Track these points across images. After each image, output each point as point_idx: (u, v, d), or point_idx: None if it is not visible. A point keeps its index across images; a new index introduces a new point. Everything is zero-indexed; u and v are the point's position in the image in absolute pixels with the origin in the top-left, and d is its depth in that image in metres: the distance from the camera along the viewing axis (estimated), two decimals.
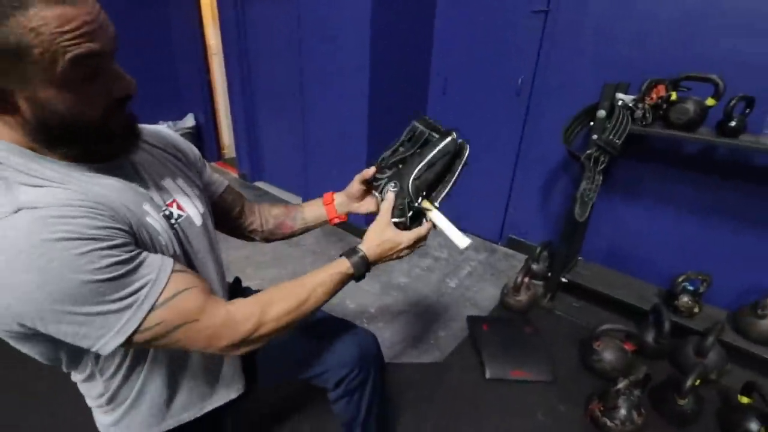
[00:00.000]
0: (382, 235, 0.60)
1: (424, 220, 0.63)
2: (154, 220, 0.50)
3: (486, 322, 1.52)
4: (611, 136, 1.31)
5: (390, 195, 0.62)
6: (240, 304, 0.50)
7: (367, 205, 0.70)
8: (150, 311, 0.44)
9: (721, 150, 1.47)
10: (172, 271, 0.46)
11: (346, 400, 0.74)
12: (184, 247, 0.54)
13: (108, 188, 0.47)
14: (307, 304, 0.53)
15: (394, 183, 0.62)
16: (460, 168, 0.63)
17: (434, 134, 0.63)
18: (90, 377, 0.54)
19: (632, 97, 1.38)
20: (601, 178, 1.37)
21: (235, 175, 3.08)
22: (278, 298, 0.52)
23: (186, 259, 0.54)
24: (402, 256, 0.61)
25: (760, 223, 1.45)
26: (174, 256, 0.51)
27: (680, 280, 1.42)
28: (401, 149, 0.64)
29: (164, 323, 0.45)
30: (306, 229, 0.77)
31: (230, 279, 0.76)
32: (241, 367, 0.67)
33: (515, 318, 1.58)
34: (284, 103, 2.45)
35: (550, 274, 1.69)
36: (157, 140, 0.60)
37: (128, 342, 0.44)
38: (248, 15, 2.44)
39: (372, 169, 0.65)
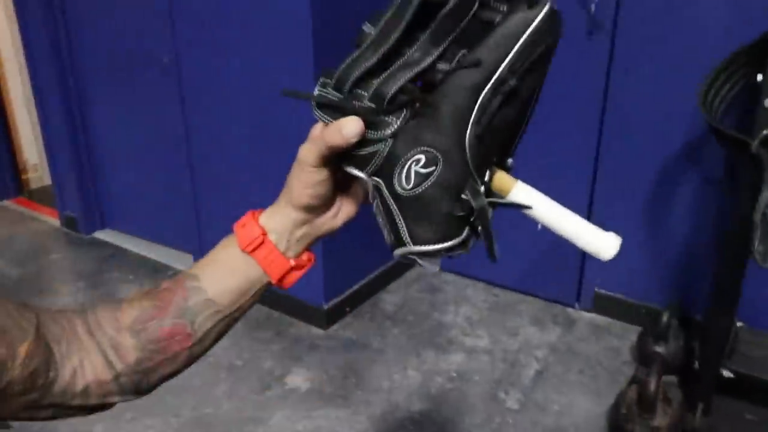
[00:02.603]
0: None
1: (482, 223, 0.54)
2: None
3: None
4: None
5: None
6: None
7: (347, 210, 0.62)
8: None
9: None
10: None
11: None
12: None
13: None
14: None
15: (425, 151, 0.50)
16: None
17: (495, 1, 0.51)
18: None
19: None
20: None
21: (54, 221, 2.99)
22: None
23: None
24: None
25: None
26: None
27: None
28: (408, 51, 0.51)
29: None
30: (225, 328, 0.64)
31: None
32: None
33: None
34: (142, 82, 2.42)
35: (697, 363, 1.60)
36: None
37: None
38: None
39: (355, 124, 0.50)
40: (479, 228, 0.52)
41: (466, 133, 0.51)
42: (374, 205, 0.53)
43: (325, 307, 2.10)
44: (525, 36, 0.50)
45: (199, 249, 2.39)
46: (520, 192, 0.53)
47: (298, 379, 1.87)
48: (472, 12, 0.50)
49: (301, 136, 0.53)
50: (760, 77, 1.35)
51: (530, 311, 2.19)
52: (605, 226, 0.60)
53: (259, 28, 1.93)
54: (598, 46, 1.86)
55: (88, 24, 2.51)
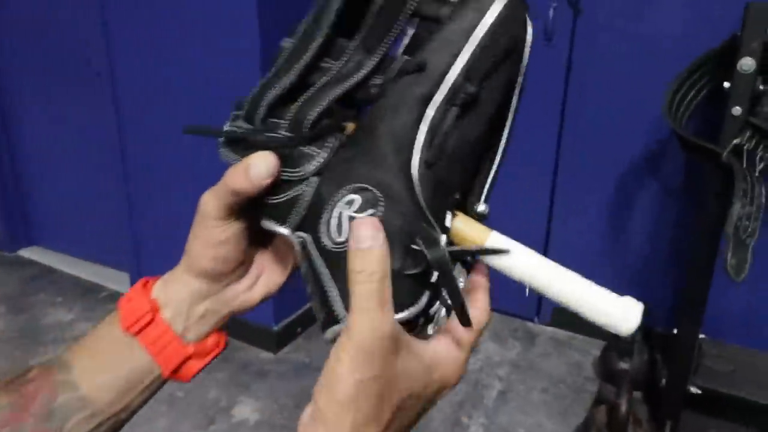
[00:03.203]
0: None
1: (460, 277, 0.46)
2: None
3: None
4: None
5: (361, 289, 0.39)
6: None
7: (269, 280, 0.52)
8: None
9: None
10: None
11: None
12: None
13: None
14: None
15: (358, 189, 0.40)
16: (518, 98, 0.48)
17: None
18: None
19: None
20: (764, 191, 1.29)
21: None
22: None
23: None
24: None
25: None
26: None
27: None
28: (335, 64, 0.43)
29: None
30: None
31: None
32: None
33: None
34: (74, 87, 2.42)
35: (664, 380, 1.60)
36: None
37: None
38: None
39: (264, 160, 0.41)
40: (444, 292, 0.40)
41: (411, 161, 0.41)
42: (302, 269, 0.42)
43: (275, 328, 2.07)
44: (480, 30, 0.41)
45: (136, 268, 2.32)
46: (486, 237, 0.43)
47: (246, 410, 1.82)
48: (410, 6, 0.41)
49: None
50: (727, 85, 1.34)
51: (489, 326, 2.15)
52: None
53: (202, 29, 1.88)
54: (556, 54, 1.87)
55: (10, 24, 2.46)
